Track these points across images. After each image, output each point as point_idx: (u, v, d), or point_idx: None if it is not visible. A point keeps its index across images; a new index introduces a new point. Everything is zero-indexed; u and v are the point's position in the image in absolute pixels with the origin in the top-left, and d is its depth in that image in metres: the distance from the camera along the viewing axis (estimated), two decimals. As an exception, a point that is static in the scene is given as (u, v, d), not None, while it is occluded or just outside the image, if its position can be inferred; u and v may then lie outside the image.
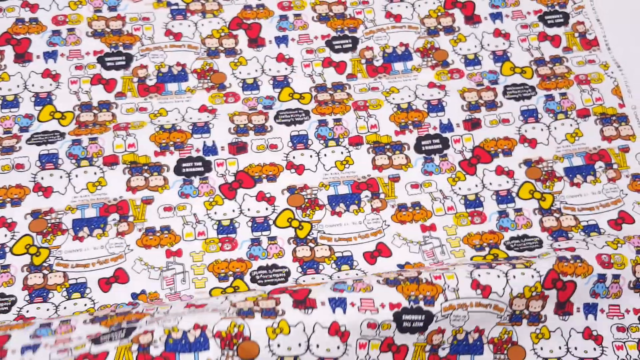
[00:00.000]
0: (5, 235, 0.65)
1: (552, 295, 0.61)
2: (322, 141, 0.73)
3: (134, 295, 0.63)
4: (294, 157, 0.71)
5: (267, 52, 0.78)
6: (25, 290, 0.62)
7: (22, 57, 0.75)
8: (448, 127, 0.74)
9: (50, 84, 0.74)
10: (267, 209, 0.68)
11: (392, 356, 0.57)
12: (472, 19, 0.81)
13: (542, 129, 0.74)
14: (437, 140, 0.73)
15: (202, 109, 0.74)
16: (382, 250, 0.67)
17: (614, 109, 0.75)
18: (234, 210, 0.68)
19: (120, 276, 0.64)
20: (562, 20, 0.81)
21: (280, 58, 0.78)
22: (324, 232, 0.67)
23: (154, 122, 0.72)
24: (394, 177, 0.71)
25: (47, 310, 0.61)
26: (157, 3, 0.80)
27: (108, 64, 0.76)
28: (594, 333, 0.62)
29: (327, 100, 0.75)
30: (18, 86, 0.74)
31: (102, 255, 0.64)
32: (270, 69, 0.77)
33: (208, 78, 0.76)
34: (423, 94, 0.76)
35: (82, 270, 0.64)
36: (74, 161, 0.69)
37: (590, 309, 0.63)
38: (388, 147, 0.73)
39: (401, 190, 0.70)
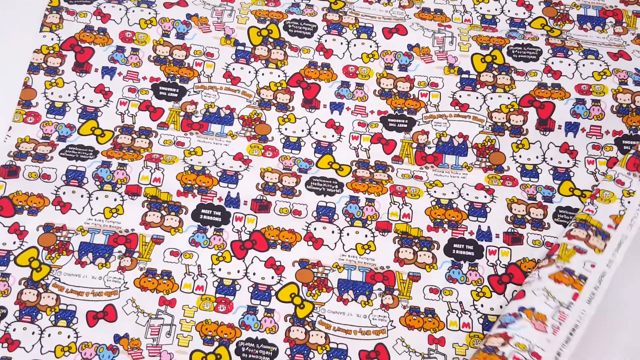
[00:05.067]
0: (14, 243, 0.65)
1: None
2: (348, 219, 0.69)
3: (117, 338, 0.61)
4: (314, 229, 0.68)
5: (319, 115, 0.76)
6: (17, 305, 0.62)
7: (81, 67, 0.76)
8: (486, 235, 0.69)
9: (100, 100, 0.75)
10: (273, 277, 0.65)
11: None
12: (545, 123, 0.75)
13: None
14: (471, 247, 0.68)
15: (238, 156, 0.72)
16: (381, 353, 0.62)
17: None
18: (239, 271, 0.66)
19: (109, 313, 0.62)
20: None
21: (330, 124, 0.75)
22: (324, 318, 0.64)
23: (186, 160, 0.71)
24: (415, 275, 0.66)
25: (32, 334, 0.61)
26: (225, 39, 0.79)
27: (161, 92, 0.76)
28: None
29: (366, 177, 0.72)
30: (69, 95, 0.75)
31: (97, 287, 0.63)
32: (317, 132, 0.75)
33: (253, 127, 0.75)
34: (468, 194, 0.71)
35: (74, 297, 0.63)
36: (98, 183, 0.69)
37: None
38: (416, 241, 0.68)
39: (418, 292, 0.66)
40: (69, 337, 0.61)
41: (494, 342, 0.57)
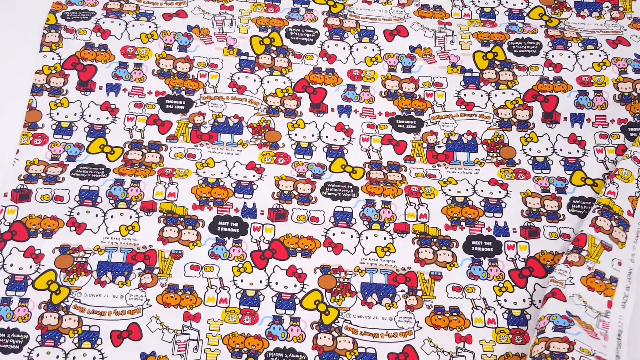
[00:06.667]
0: (30, 267, 0.64)
1: None
2: (366, 222, 0.69)
3: (143, 356, 0.60)
4: (333, 234, 0.68)
5: (327, 119, 0.76)
6: (38, 330, 0.61)
7: (85, 85, 0.75)
8: (503, 230, 0.69)
9: (107, 118, 0.74)
10: (295, 285, 0.65)
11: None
12: (551, 116, 0.76)
13: None
14: (489, 243, 0.68)
15: (250, 165, 0.72)
16: (409, 355, 0.62)
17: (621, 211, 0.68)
18: (261, 281, 0.65)
19: (134, 332, 0.61)
20: None
21: (339, 127, 0.75)
22: (350, 323, 0.63)
23: (199, 173, 0.71)
24: (436, 274, 0.66)
25: (57, 357, 0.60)
26: (227, 50, 0.79)
27: (167, 106, 0.75)
28: None
29: (380, 179, 0.72)
30: (75, 114, 0.74)
31: (120, 306, 0.62)
32: (327, 137, 0.75)
33: (262, 135, 0.74)
34: (482, 190, 0.71)
35: (97, 318, 0.62)
36: (112, 201, 0.68)
37: None
38: (435, 240, 0.68)
39: (441, 291, 0.66)
40: (94, 358, 0.60)
41: (560, 348, 0.57)
